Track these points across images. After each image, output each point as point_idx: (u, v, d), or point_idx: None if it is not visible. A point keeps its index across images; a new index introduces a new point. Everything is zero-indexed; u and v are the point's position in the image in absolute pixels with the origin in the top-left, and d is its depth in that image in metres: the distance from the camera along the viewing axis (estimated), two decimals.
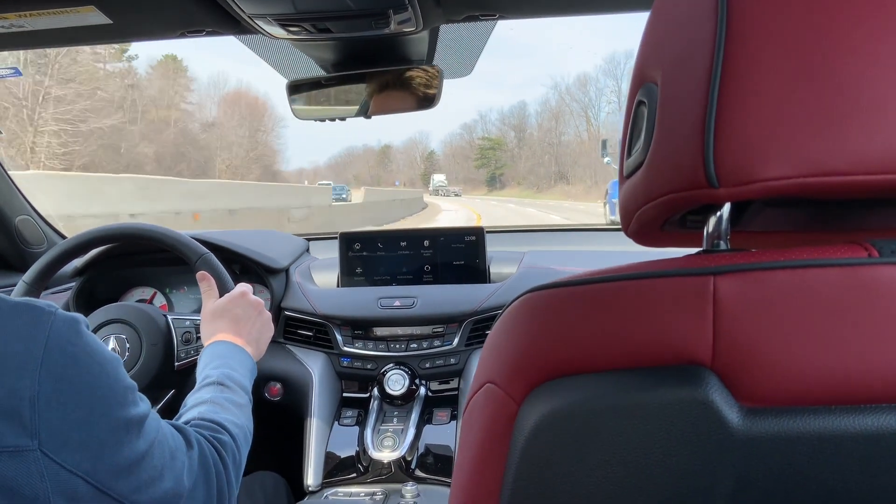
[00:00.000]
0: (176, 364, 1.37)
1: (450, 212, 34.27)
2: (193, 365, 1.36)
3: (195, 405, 0.96)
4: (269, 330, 1.24)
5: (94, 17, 1.18)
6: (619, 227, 0.59)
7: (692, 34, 0.46)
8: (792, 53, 0.43)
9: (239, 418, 0.96)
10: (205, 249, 1.34)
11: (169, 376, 1.36)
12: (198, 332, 1.40)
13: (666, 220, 0.54)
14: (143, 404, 0.75)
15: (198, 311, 1.74)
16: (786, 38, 0.43)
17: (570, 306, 0.50)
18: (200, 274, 1.26)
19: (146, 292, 1.81)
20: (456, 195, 72.19)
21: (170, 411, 1.38)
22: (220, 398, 0.97)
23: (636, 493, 0.46)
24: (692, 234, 0.59)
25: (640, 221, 0.54)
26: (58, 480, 0.64)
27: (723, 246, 0.51)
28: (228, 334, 1.14)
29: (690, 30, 0.47)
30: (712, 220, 0.52)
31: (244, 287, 1.25)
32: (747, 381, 0.44)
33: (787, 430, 0.43)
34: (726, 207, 0.51)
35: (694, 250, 0.54)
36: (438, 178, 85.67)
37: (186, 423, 0.88)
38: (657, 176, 0.49)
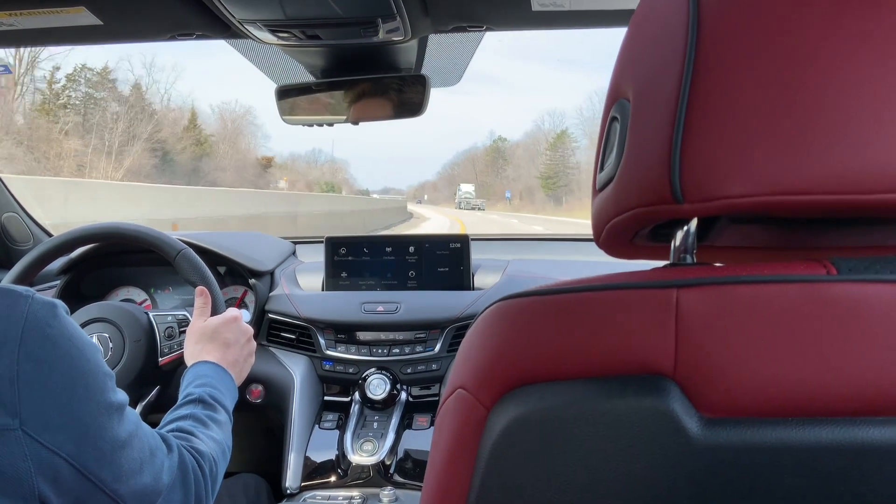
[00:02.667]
0: (160, 359, 1.37)
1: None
2: (178, 360, 1.37)
3: (175, 419, 0.97)
4: (252, 359, 1.25)
5: (84, 17, 1.19)
6: None
7: (663, 53, 0.48)
8: (758, 77, 0.44)
9: (218, 434, 0.97)
10: (183, 245, 1.35)
11: (153, 372, 1.37)
12: (180, 326, 1.41)
13: (635, 234, 0.56)
14: (122, 394, 0.76)
15: (180, 306, 1.75)
16: (752, 61, 0.44)
17: (538, 315, 0.51)
18: (199, 289, 1.27)
19: (131, 292, 1.81)
20: (480, 209, 65.89)
21: (155, 408, 1.38)
22: (200, 414, 0.98)
23: (597, 498, 0.47)
24: (661, 247, 0.60)
25: (610, 234, 0.55)
26: (40, 461, 0.64)
27: (689, 260, 0.53)
28: (215, 357, 1.15)
29: (661, 49, 0.48)
30: (679, 235, 0.53)
31: (237, 311, 1.26)
32: (708, 392, 0.45)
33: (745, 440, 0.44)
34: (693, 222, 0.52)
35: (662, 263, 0.56)
36: (465, 189, 76.53)
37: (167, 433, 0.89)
38: (626, 190, 0.51)
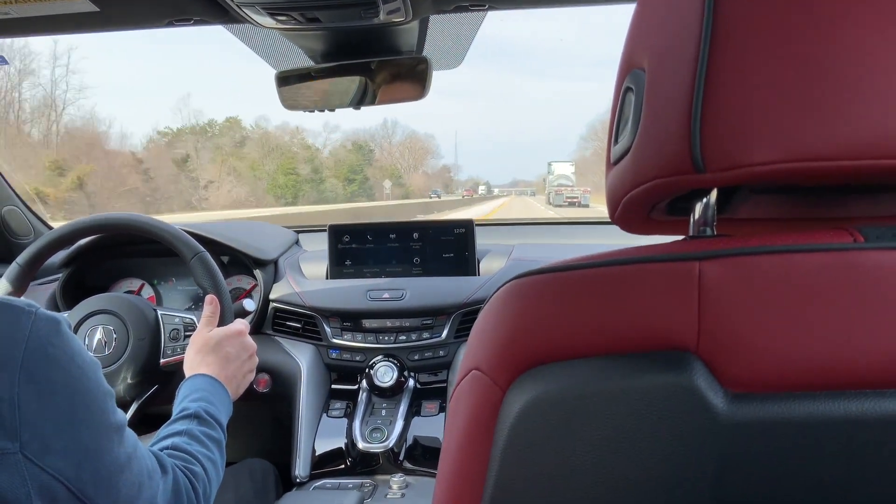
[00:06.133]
0: (161, 360, 1.36)
1: None
2: (179, 363, 1.35)
3: (170, 435, 0.96)
4: (252, 376, 1.24)
5: (80, 4, 1.17)
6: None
7: (680, 20, 0.46)
8: (779, 39, 0.43)
9: (213, 452, 0.97)
10: (201, 248, 1.33)
11: (153, 372, 1.35)
12: (186, 329, 1.39)
13: (653, 207, 0.54)
14: (121, 414, 0.75)
15: (190, 308, 1.74)
16: (773, 23, 0.43)
17: (555, 292, 0.49)
18: (210, 297, 1.26)
19: (134, 283, 1.80)
20: (581, 206, 41.66)
21: (151, 406, 1.37)
22: (196, 431, 0.97)
23: (620, 477, 0.46)
24: (679, 221, 0.59)
25: (627, 208, 0.54)
26: (40, 485, 0.63)
27: (709, 233, 0.51)
28: (213, 370, 1.13)
29: (678, 16, 0.47)
30: (699, 207, 0.52)
31: (242, 325, 1.25)
32: (732, 366, 0.44)
33: (771, 415, 0.43)
34: (713, 193, 0.51)
35: (680, 238, 0.54)
36: (559, 171, 50.74)
37: (161, 450, 0.89)
38: (644, 161, 0.49)
